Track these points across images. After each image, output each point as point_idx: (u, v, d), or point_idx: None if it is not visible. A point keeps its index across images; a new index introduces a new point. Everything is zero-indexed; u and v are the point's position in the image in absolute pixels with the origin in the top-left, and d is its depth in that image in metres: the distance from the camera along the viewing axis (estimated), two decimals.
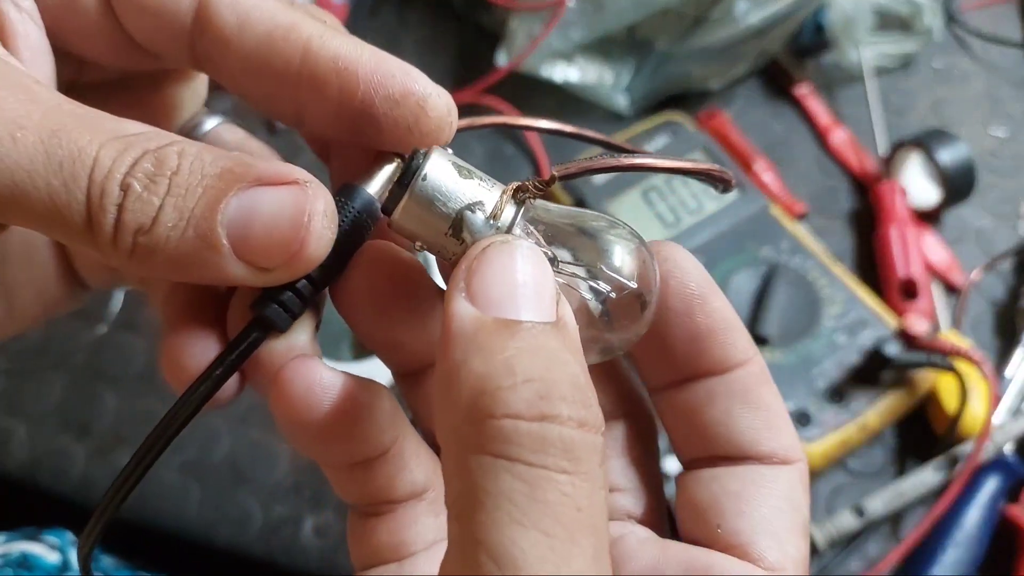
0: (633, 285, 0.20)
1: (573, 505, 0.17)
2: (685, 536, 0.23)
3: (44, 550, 0.48)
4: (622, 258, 0.21)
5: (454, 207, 0.20)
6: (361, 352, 0.61)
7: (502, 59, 0.72)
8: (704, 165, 0.21)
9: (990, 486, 0.57)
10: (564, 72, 0.73)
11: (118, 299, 0.67)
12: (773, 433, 0.22)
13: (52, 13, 0.23)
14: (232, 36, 0.22)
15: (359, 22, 0.77)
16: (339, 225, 0.21)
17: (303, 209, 0.20)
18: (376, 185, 0.22)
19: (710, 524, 0.22)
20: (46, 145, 0.19)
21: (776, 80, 0.77)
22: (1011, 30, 0.81)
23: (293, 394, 0.22)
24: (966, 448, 0.57)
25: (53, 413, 0.63)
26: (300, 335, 0.23)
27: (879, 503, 0.57)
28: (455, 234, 0.20)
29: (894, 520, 0.58)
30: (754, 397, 0.22)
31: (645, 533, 0.23)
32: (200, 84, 0.27)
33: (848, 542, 0.58)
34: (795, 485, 0.22)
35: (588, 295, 0.20)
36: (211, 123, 0.27)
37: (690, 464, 0.24)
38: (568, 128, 0.25)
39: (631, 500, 0.24)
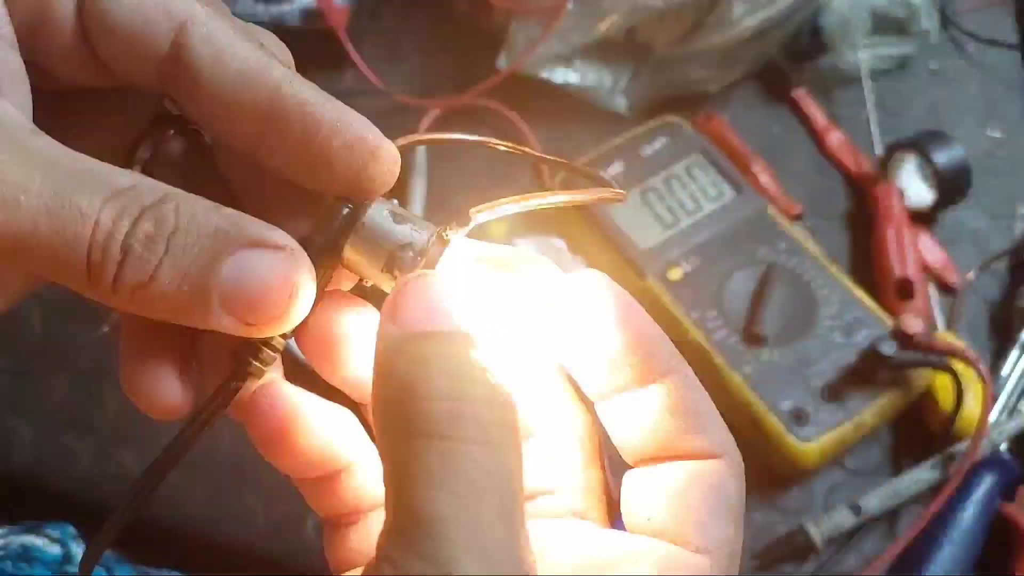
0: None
1: (482, 471, 0.20)
2: (628, 529, 0.25)
3: (45, 543, 0.49)
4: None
5: (387, 248, 0.24)
6: None
7: (502, 62, 0.72)
8: (599, 193, 0.26)
9: (986, 484, 0.57)
10: (563, 75, 0.74)
11: None
12: (699, 433, 0.25)
13: (25, 31, 0.24)
14: (205, 69, 0.23)
15: (360, 25, 0.77)
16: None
17: (291, 279, 0.22)
18: (329, 235, 0.25)
19: (643, 516, 0.24)
20: (48, 208, 0.20)
21: (773, 83, 0.78)
22: (1006, 32, 0.82)
23: (264, 416, 0.25)
24: (962, 447, 0.57)
25: (56, 412, 0.64)
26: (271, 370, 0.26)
27: (875, 501, 0.57)
28: (388, 271, 0.24)
29: (890, 518, 0.59)
30: (679, 402, 0.25)
31: (583, 525, 0.26)
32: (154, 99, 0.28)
33: (845, 540, 0.58)
34: (722, 476, 0.24)
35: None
36: (168, 133, 0.27)
37: (632, 464, 0.26)
38: (502, 144, 0.28)
39: (576, 499, 0.27)
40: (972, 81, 0.79)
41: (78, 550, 0.50)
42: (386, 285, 0.25)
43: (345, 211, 0.24)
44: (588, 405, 0.27)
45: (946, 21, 0.81)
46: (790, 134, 0.76)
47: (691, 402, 0.25)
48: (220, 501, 0.60)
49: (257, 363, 0.25)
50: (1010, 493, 0.58)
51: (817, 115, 0.76)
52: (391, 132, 0.25)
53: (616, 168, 0.68)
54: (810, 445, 0.57)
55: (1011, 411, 0.61)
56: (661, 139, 0.70)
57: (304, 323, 0.24)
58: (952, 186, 0.68)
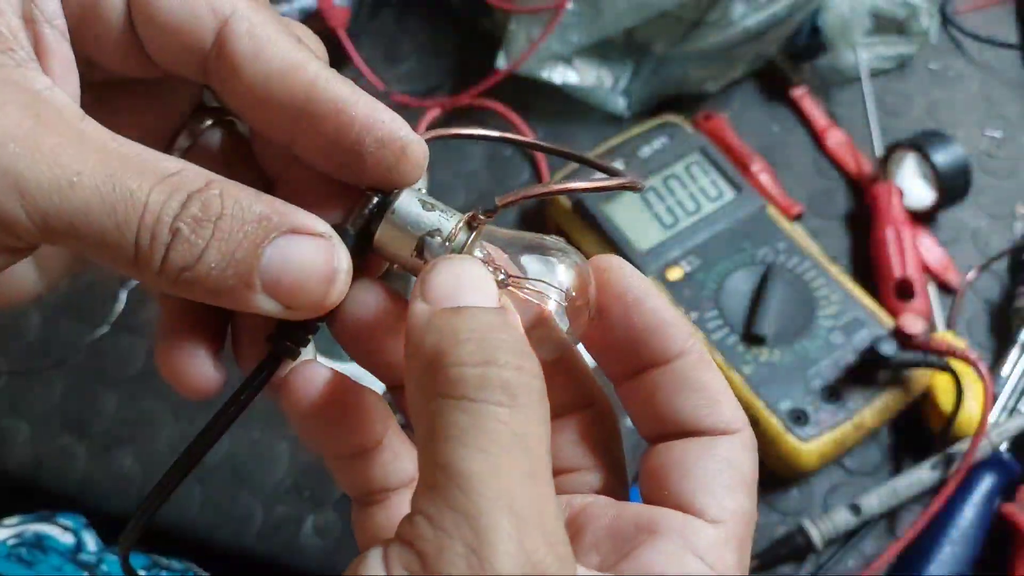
0: (572, 292, 0.26)
1: (509, 431, 0.21)
2: (647, 503, 0.26)
3: (58, 531, 0.49)
4: (564, 270, 0.26)
5: (416, 234, 0.25)
6: None
7: (501, 62, 0.72)
8: (620, 181, 0.27)
9: (985, 484, 0.57)
10: (563, 75, 0.74)
11: (120, 300, 0.67)
12: (713, 409, 0.26)
13: (75, 22, 0.24)
14: (246, 63, 0.24)
15: (359, 25, 0.77)
16: None
17: (331, 265, 0.23)
18: (361, 223, 0.26)
19: (662, 490, 0.26)
20: (101, 191, 0.21)
21: (773, 82, 0.78)
22: (1006, 32, 0.82)
23: (299, 394, 0.25)
24: (962, 447, 0.57)
25: (55, 413, 0.64)
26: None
27: (875, 501, 0.57)
28: (419, 256, 0.25)
29: (890, 518, 0.59)
30: (694, 381, 0.26)
31: (605, 500, 0.27)
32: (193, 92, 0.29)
33: (845, 540, 0.58)
34: (736, 450, 0.26)
35: (535, 300, 0.25)
36: (206, 123, 0.28)
37: (650, 442, 0.27)
38: (518, 138, 0.30)
39: (594, 477, 0.28)
40: (972, 81, 0.79)
41: (90, 539, 0.51)
42: (416, 271, 0.25)
43: (376, 200, 0.25)
44: (601, 388, 0.29)
45: (946, 20, 0.81)
46: (790, 134, 0.76)
47: (706, 381, 0.26)
48: (219, 503, 0.60)
49: (293, 345, 0.25)
50: (1010, 493, 0.58)
51: (817, 115, 0.75)
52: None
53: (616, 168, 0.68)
54: (809, 445, 0.57)
55: (1011, 411, 0.61)
56: (660, 139, 0.70)
57: (338, 308, 0.25)
58: (952, 186, 0.68)
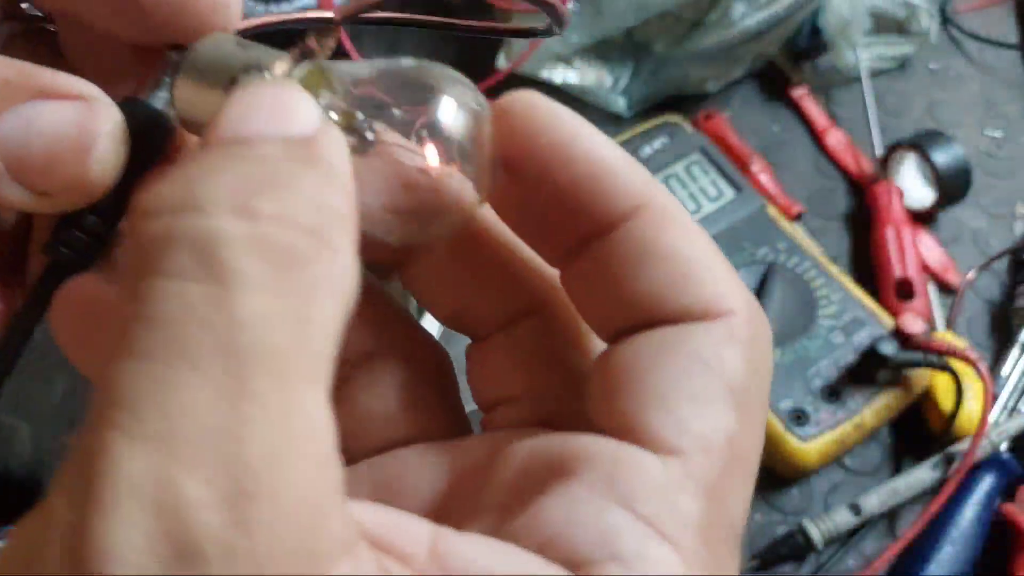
0: (464, 140, 0.18)
1: (197, 322, 0.13)
2: (590, 427, 0.18)
3: None
4: (451, 108, 0.18)
5: (228, 73, 0.18)
6: None
7: (502, 62, 0.72)
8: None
9: (986, 484, 0.57)
10: (563, 75, 0.74)
11: None
12: (683, 286, 0.17)
13: None
14: None
15: (359, 23, 0.77)
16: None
17: (88, 128, 0.18)
18: (163, 93, 0.19)
19: (604, 407, 0.18)
20: None
21: (773, 82, 0.78)
22: (1007, 32, 0.82)
23: (61, 310, 0.19)
24: (962, 447, 0.57)
25: (56, 412, 0.64)
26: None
27: (875, 501, 0.57)
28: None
29: (890, 518, 0.59)
30: (651, 248, 0.18)
31: (530, 432, 0.19)
32: None
33: (845, 540, 0.58)
34: (716, 341, 0.17)
35: (410, 151, 0.18)
36: (12, 29, 0.24)
37: (608, 342, 0.19)
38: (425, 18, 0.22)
39: (545, 406, 0.20)
40: (972, 81, 0.79)
41: None
42: None
43: (175, 57, 0.19)
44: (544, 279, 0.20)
45: (946, 20, 0.81)
46: (789, 134, 0.76)
47: (672, 244, 0.18)
48: None
49: (68, 249, 0.19)
50: (1010, 493, 0.58)
51: (817, 115, 0.75)
52: None
53: None
54: (810, 445, 0.57)
55: (1011, 411, 0.61)
56: (660, 139, 0.70)
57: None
58: (952, 186, 0.68)
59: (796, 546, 0.57)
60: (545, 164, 0.18)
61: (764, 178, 0.71)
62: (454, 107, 0.18)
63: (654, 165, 0.68)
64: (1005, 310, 0.66)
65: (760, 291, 0.62)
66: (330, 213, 0.14)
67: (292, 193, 0.14)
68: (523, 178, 0.19)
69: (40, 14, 0.23)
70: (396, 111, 0.18)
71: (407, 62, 0.19)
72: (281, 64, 0.18)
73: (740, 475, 0.16)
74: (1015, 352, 0.63)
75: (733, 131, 0.73)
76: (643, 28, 0.73)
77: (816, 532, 0.57)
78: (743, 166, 0.71)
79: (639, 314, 0.18)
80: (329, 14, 0.19)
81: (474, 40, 0.78)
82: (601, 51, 0.74)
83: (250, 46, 0.19)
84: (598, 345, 0.20)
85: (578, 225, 0.18)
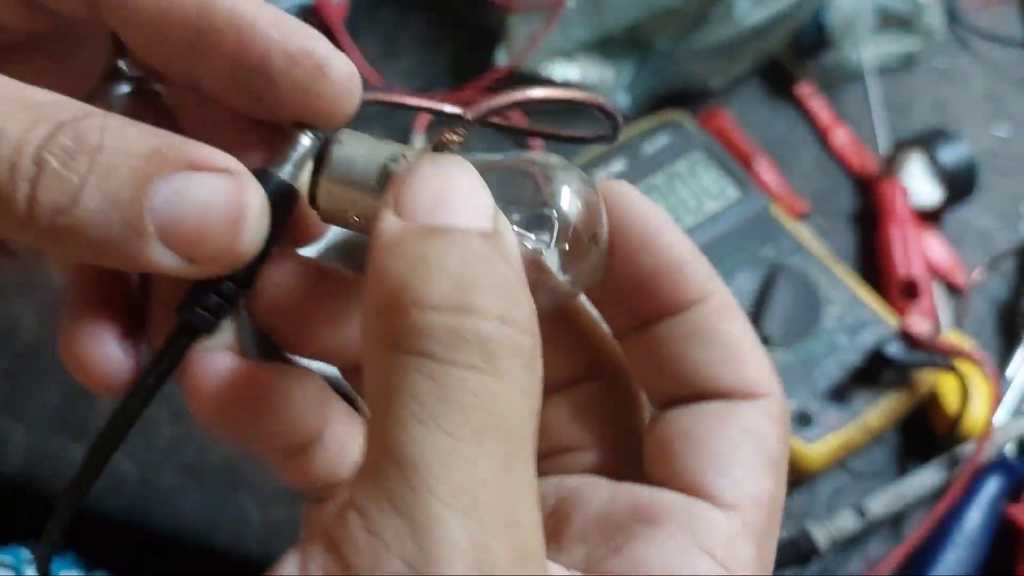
0: (577, 227, 0.20)
1: (483, 406, 0.16)
2: (651, 482, 0.22)
3: None
4: (566, 197, 0.20)
5: (376, 163, 0.20)
6: None
7: (502, 58, 0.72)
8: (591, 97, 0.23)
9: (991, 487, 0.57)
10: (564, 71, 0.73)
11: None
12: (733, 368, 0.21)
13: None
14: None
15: (358, 21, 0.76)
16: None
17: (238, 201, 0.19)
18: (288, 167, 0.21)
19: (667, 466, 0.21)
20: None
21: (777, 79, 0.77)
22: (1013, 29, 0.81)
23: (199, 384, 0.21)
24: (967, 448, 0.57)
25: (50, 415, 0.63)
26: (222, 334, 0.22)
27: (880, 503, 0.57)
28: (382, 187, 0.20)
29: (895, 520, 0.58)
30: (711, 333, 0.21)
31: (599, 481, 0.22)
32: (106, 50, 0.26)
33: (849, 542, 0.57)
34: (761, 418, 0.21)
35: (533, 239, 0.20)
36: (122, 89, 0.25)
37: (660, 408, 0.23)
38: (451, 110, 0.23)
39: (594, 457, 0.23)
40: (978, 79, 0.78)
41: (31, 574, 0.49)
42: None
43: (307, 137, 0.21)
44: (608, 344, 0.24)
45: (952, 18, 0.80)
46: (794, 131, 0.75)
47: (728, 332, 0.22)
48: (215, 506, 0.60)
49: (205, 312, 0.20)
50: (1016, 495, 0.57)
51: (822, 112, 0.75)
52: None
53: (617, 166, 0.67)
54: (814, 447, 0.56)
55: (1017, 413, 0.60)
56: (663, 136, 0.69)
57: (262, 281, 0.21)
58: (958, 185, 0.67)
59: (800, 549, 0.56)
60: (635, 251, 0.22)
61: (768, 176, 0.70)
62: (571, 194, 0.20)
63: (656, 163, 0.68)
64: (1011, 310, 0.66)
65: (764, 291, 0.61)
66: (529, 308, 0.17)
67: (512, 296, 0.17)
68: (609, 257, 0.22)
69: (140, 75, 0.24)
70: (525, 204, 0.20)
71: (527, 155, 0.21)
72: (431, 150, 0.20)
73: (775, 527, 0.21)
74: (1021, 353, 0.63)
75: (737, 128, 0.73)
76: (646, 24, 0.72)
77: (821, 535, 0.56)
78: (747, 164, 0.70)
79: (694, 387, 0.22)
80: (459, 111, 0.21)
81: (474, 36, 0.77)
82: (603, 47, 0.73)
83: (385, 140, 0.21)
84: (648, 408, 0.24)
85: (653, 305, 0.22)
